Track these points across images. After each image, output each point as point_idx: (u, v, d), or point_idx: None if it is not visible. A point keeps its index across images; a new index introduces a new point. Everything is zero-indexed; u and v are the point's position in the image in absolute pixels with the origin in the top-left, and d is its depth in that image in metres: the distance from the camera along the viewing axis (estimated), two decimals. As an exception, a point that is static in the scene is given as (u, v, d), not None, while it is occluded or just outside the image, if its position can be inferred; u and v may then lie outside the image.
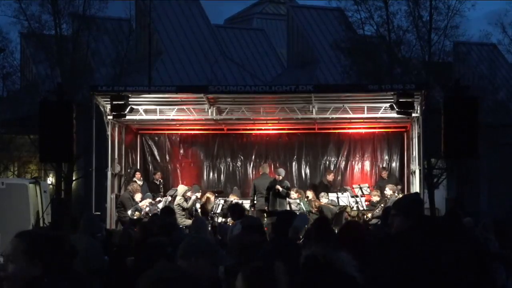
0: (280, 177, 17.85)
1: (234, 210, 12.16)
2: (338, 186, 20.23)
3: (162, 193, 19.29)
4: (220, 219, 17.72)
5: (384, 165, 20.33)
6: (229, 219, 17.83)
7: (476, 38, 33.39)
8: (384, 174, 19.85)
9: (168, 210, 12.08)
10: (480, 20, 37.53)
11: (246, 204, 17.89)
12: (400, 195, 17.77)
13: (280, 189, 17.38)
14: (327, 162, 20.85)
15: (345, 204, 18.29)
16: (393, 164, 20.61)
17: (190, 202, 17.66)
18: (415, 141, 17.94)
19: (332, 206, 18.32)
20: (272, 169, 20.17)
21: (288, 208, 17.14)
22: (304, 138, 20.93)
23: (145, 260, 6.94)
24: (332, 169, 20.69)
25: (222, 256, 4.15)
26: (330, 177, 19.89)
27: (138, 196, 17.64)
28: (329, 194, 18.82)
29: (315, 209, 18.17)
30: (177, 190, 18.23)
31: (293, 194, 18.31)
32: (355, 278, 4.08)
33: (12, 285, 3.53)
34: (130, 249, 8.70)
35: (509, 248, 10.64)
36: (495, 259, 8.07)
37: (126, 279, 7.31)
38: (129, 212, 16.95)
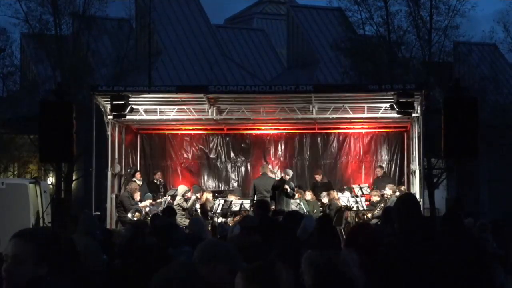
0: (287, 177, 17.80)
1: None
2: (338, 186, 20.25)
3: (162, 193, 19.30)
4: (220, 219, 17.72)
5: (380, 164, 20.32)
6: (229, 219, 17.86)
7: (482, 38, 33.44)
8: (379, 173, 19.83)
9: (169, 210, 12.09)
10: (487, 19, 37.56)
11: (246, 204, 17.89)
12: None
13: (288, 189, 17.32)
14: (327, 162, 20.86)
15: (345, 204, 18.30)
16: (393, 164, 20.62)
17: (190, 202, 17.67)
18: (415, 141, 17.95)
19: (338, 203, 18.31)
20: (272, 168, 20.18)
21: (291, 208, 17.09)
22: (304, 138, 20.94)
23: (134, 262, 6.90)
24: (331, 168, 20.73)
25: (241, 262, 4.02)
26: (318, 177, 19.95)
27: (137, 196, 17.65)
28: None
29: (327, 203, 18.18)
30: (177, 190, 18.23)
31: (294, 194, 18.31)
32: (356, 279, 4.08)
33: (16, 285, 3.52)
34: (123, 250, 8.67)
35: (506, 248, 10.66)
36: (493, 259, 8.09)
37: (116, 281, 7.28)
38: (129, 214, 16.94)
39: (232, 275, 3.64)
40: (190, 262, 4.07)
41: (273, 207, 17.73)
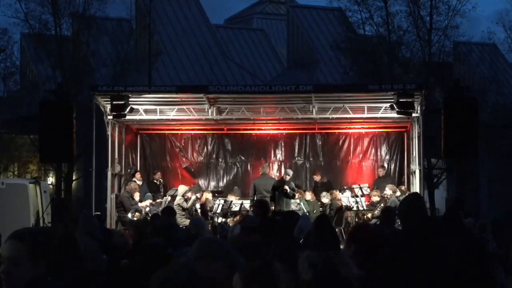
0: (288, 178, 17.79)
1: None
2: (339, 186, 20.24)
3: (162, 193, 19.29)
4: (220, 219, 17.72)
5: (381, 164, 20.32)
6: (229, 219, 17.85)
7: (482, 38, 33.45)
8: (381, 172, 19.83)
9: (169, 210, 12.07)
10: (487, 19, 37.54)
11: (246, 204, 17.88)
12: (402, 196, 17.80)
13: (288, 189, 17.32)
14: (327, 162, 20.85)
15: (345, 204, 18.30)
16: (393, 164, 20.61)
17: (190, 202, 17.66)
18: (415, 141, 17.94)
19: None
20: (272, 168, 20.17)
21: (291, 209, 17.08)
22: (304, 138, 20.93)
23: (142, 262, 6.91)
24: (331, 168, 20.73)
25: (239, 258, 4.00)
26: (317, 177, 19.95)
27: (137, 196, 17.64)
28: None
29: (327, 203, 18.17)
30: (177, 190, 18.22)
31: (294, 194, 18.29)
32: (355, 280, 4.08)
33: (15, 286, 3.52)
34: (127, 251, 8.67)
35: (506, 248, 10.68)
36: (493, 259, 8.09)
37: (122, 282, 7.27)
38: (129, 214, 16.94)
39: (230, 273, 3.65)
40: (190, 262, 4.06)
41: (273, 207, 17.76)
